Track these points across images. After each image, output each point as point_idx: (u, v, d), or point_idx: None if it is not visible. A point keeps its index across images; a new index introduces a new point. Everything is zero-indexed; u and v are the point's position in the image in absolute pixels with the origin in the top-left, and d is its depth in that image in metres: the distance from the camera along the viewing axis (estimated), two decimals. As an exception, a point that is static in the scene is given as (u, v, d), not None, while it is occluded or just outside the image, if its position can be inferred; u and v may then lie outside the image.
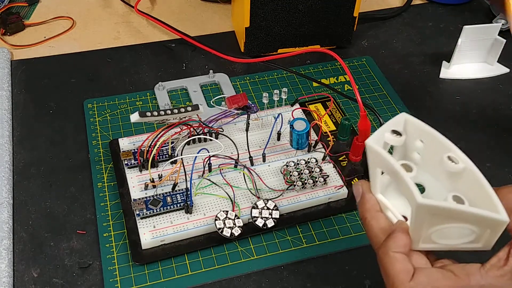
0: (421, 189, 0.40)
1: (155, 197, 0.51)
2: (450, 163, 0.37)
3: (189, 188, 0.51)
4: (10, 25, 0.73)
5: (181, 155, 0.55)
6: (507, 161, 0.59)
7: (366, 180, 0.42)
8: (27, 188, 0.55)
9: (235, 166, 0.55)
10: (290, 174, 0.53)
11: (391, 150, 0.41)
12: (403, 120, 0.40)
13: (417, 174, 0.40)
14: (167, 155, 0.55)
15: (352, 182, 0.55)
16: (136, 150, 0.55)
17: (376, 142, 0.39)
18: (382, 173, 0.41)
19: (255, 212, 0.51)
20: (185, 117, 0.54)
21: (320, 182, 0.53)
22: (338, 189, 0.54)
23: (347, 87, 0.68)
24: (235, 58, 0.67)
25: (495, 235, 0.36)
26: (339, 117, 0.62)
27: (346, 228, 0.53)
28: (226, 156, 0.55)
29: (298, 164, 0.54)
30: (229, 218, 0.50)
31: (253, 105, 0.57)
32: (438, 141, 0.38)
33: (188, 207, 0.51)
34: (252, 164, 0.55)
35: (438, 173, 0.40)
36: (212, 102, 0.62)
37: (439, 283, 0.36)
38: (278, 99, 0.59)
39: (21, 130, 0.61)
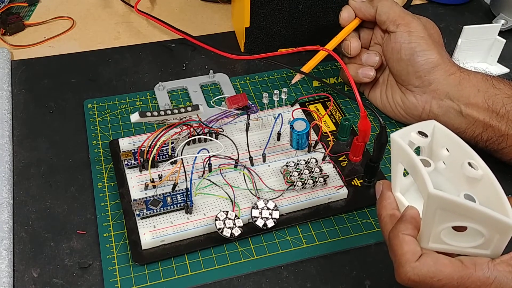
0: None
1: (155, 197, 0.51)
2: (470, 169, 0.39)
3: (189, 188, 0.51)
4: (10, 25, 0.73)
5: (181, 155, 0.55)
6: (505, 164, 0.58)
7: (386, 180, 0.44)
8: (27, 188, 0.55)
9: (235, 166, 0.55)
10: (290, 174, 0.53)
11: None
12: (431, 126, 0.41)
13: (440, 182, 0.41)
14: (167, 155, 0.55)
15: (352, 182, 0.55)
16: (136, 150, 0.55)
17: (401, 138, 0.40)
18: (405, 175, 0.42)
19: (255, 212, 0.51)
20: (185, 117, 0.54)
21: (320, 182, 0.53)
22: (338, 189, 0.54)
23: (347, 87, 0.68)
24: (234, 55, 0.66)
25: (504, 241, 0.36)
26: (339, 117, 0.62)
27: (346, 228, 0.53)
28: (226, 156, 0.55)
29: (298, 164, 0.54)
30: (229, 218, 0.50)
31: (253, 105, 0.57)
32: (462, 149, 0.40)
33: (188, 207, 0.51)
34: (252, 164, 0.55)
35: (459, 180, 0.41)
36: (212, 102, 0.62)
37: (445, 268, 0.37)
38: (278, 99, 0.59)
39: (21, 130, 0.61)
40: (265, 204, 0.51)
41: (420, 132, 0.41)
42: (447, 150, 0.41)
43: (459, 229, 0.39)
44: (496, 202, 0.37)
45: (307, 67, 0.62)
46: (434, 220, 0.37)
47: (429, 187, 0.36)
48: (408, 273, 0.37)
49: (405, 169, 0.41)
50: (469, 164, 0.39)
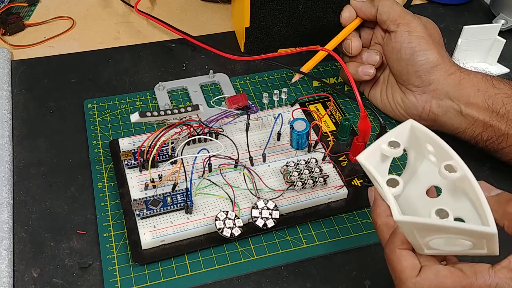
0: (439, 193, 0.41)
1: (155, 197, 0.51)
2: (447, 173, 0.38)
3: (189, 188, 0.51)
4: (10, 25, 0.73)
5: (181, 155, 0.55)
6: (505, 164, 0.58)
7: None
8: (27, 188, 0.55)
9: (235, 166, 0.55)
10: (290, 174, 0.53)
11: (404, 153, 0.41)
12: (408, 126, 0.41)
13: (435, 177, 0.40)
14: (167, 155, 0.55)
15: (352, 182, 0.55)
16: (136, 150, 0.55)
17: (369, 156, 0.39)
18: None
19: (255, 212, 0.51)
20: (185, 117, 0.54)
21: (320, 182, 0.53)
22: (338, 189, 0.54)
23: (347, 87, 0.68)
24: (234, 56, 0.66)
25: (493, 243, 0.36)
26: (339, 117, 0.62)
27: (346, 228, 0.53)
28: (226, 156, 0.55)
29: (298, 164, 0.54)
30: (229, 218, 0.50)
31: (253, 105, 0.57)
32: (441, 148, 0.39)
33: (188, 207, 0.51)
34: (252, 164, 0.55)
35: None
36: (212, 102, 0.62)
37: (446, 279, 0.36)
38: (278, 99, 0.59)
39: (21, 130, 0.61)
40: (265, 204, 0.51)
41: (391, 143, 0.40)
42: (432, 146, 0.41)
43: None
44: (477, 205, 0.37)
45: (307, 67, 0.62)
46: (416, 237, 0.37)
47: (394, 215, 0.35)
48: None
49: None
50: (447, 167, 0.38)
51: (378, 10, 0.59)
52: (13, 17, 0.74)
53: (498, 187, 0.40)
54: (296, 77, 0.61)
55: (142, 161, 0.54)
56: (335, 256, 0.51)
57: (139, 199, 0.51)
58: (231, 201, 0.52)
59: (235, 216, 0.50)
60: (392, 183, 0.38)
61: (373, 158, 0.39)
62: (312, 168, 0.54)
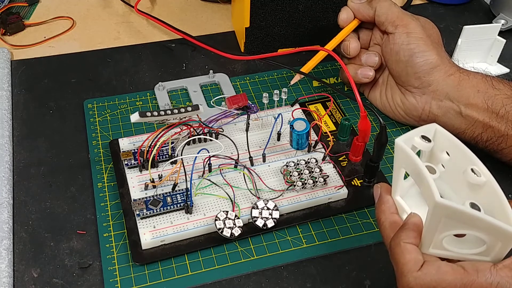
0: None
1: (155, 197, 0.51)
2: (474, 175, 0.39)
3: (189, 188, 0.51)
4: (10, 25, 0.73)
5: (181, 155, 0.55)
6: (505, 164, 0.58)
7: (385, 183, 0.43)
8: (27, 188, 0.55)
9: (235, 166, 0.55)
10: (290, 174, 0.53)
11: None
12: (433, 129, 0.41)
13: (438, 185, 0.41)
14: (167, 155, 0.55)
15: (352, 182, 0.55)
16: (136, 150, 0.55)
17: (405, 143, 0.40)
18: (405, 178, 0.42)
19: (255, 212, 0.51)
20: (185, 117, 0.54)
21: (320, 182, 0.53)
22: (338, 189, 0.54)
23: (347, 87, 0.68)
24: (234, 56, 0.66)
25: (505, 249, 0.36)
26: (339, 117, 0.62)
27: (346, 228, 0.53)
28: (226, 156, 0.55)
29: (298, 164, 0.54)
30: (229, 218, 0.50)
31: (253, 105, 0.57)
32: (464, 154, 0.40)
33: (188, 207, 0.51)
34: (252, 164, 0.55)
35: (459, 185, 0.41)
36: (212, 102, 0.62)
37: (447, 275, 0.36)
38: (278, 99, 0.59)
39: (21, 130, 0.61)
40: (265, 204, 0.51)
41: (423, 137, 0.41)
42: (447, 153, 0.41)
43: (459, 234, 0.39)
44: (498, 209, 0.37)
45: (307, 68, 0.61)
46: (438, 227, 0.37)
47: (436, 197, 0.36)
48: (410, 283, 0.37)
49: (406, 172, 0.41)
50: (472, 170, 0.39)
51: (376, 12, 0.59)
52: (13, 17, 0.74)
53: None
54: (296, 78, 0.61)
55: (142, 161, 0.54)
56: (335, 256, 0.51)
57: (139, 199, 0.51)
58: (231, 201, 0.52)
59: (235, 216, 0.50)
60: (429, 170, 0.39)
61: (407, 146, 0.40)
62: (312, 168, 0.54)
